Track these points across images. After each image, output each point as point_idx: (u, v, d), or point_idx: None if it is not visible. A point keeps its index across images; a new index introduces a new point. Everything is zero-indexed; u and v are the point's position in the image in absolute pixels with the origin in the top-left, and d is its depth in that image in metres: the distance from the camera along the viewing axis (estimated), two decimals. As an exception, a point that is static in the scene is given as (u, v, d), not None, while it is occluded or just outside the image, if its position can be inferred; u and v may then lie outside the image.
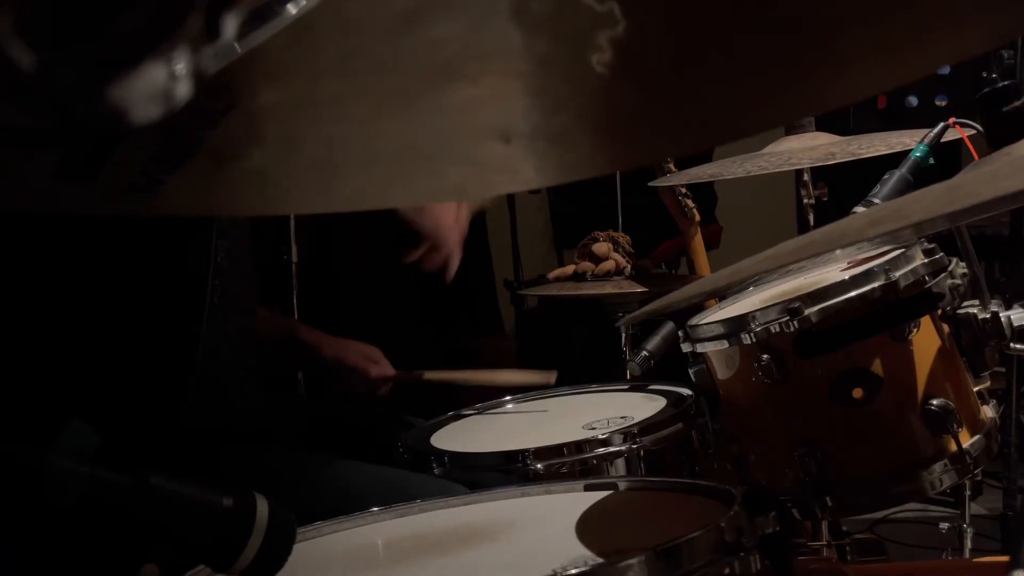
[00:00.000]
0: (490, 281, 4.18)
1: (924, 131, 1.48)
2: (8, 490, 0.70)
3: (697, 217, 2.47)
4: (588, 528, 1.05)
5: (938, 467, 1.19)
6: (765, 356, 1.21)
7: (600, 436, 1.48)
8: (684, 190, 2.42)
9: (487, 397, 1.90)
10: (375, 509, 1.20)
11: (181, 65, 0.32)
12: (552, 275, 2.44)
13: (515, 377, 1.87)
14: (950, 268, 1.22)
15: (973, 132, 1.43)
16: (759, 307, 1.24)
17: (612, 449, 1.46)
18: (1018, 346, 1.20)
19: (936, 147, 1.45)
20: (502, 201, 3.77)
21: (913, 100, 3.36)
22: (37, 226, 1.33)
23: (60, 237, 1.36)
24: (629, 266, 2.34)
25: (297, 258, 2.40)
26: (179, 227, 1.43)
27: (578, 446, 1.47)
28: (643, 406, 1.66)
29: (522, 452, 1.46)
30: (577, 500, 1.16)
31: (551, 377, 1.85)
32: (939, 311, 1.23)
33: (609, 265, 2.31)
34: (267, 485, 0.79)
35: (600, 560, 0.92)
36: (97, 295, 1.40)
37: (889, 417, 1.21)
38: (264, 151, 0.55)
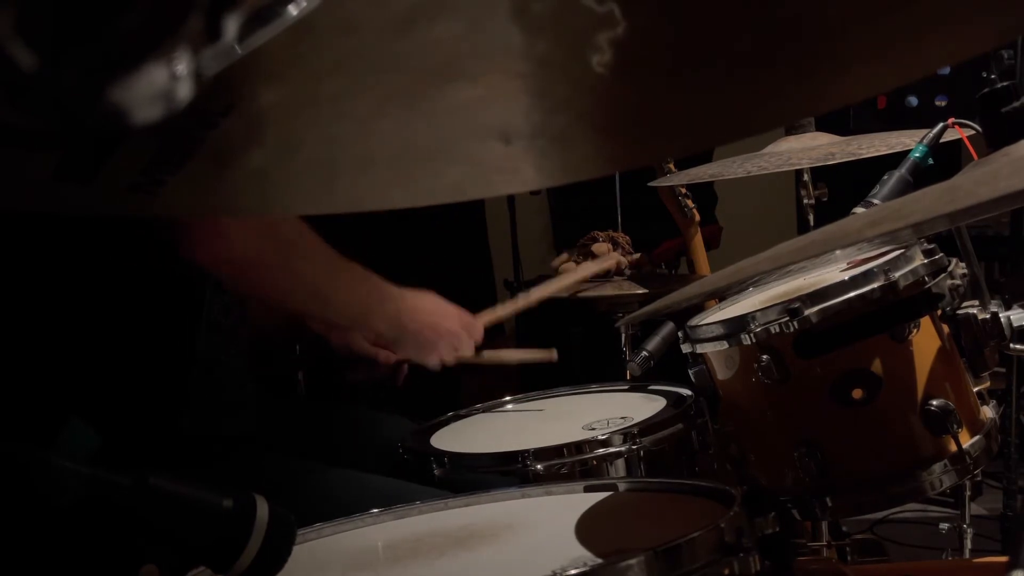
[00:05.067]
0: (490, 281, 4.18)
1: (924, 131, 1.48)
2: (8, 490, 0.70)
3: (697, 217, 2.47)
4: (588, 529, 1.05)
5: (938, 467, 1.19)
6: (765, 356, 1.21)
7: (600, 436, 1.48)
8: (684, 190, 2.42)
9: (488, 398, 1.90)
10: (375, 511, 1.20)
11: (182, 66, 0.32)
12: (555, 263, 2.44)
13: (516, 355, 1.86)
14: (950, 268, 1.22)
15: (972, 132, 1.43)
16: (759, 307, 1.24)
17: (612, 450, 1.46)
18: (1018, 346, 1.20)
19: (935, 147, 1.45)
20: (502, 200, 3.78)
21: (913, 100, 3.36)
22: (37, 226, 1.33)
23: (60, 237, 1.36)
24: (629, 266, 2.34)
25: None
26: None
27: (578, 446, 1.47)
28: (643, 406, 1.66)
29: (522, 452, 1.46)
30: (577, 502, 1.16)
31: (552, 354, 1.85)
32: (939, 311, 1.23)
33: (610, 264, 2.31)
34: (262, 493, 0.79)
35: (600, 561, 0.92)
36: (96, 295, 1.40)
37: (889, 417, 1.21)
38: (264, 151, 0.55)
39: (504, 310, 1.84)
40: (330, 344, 1.88)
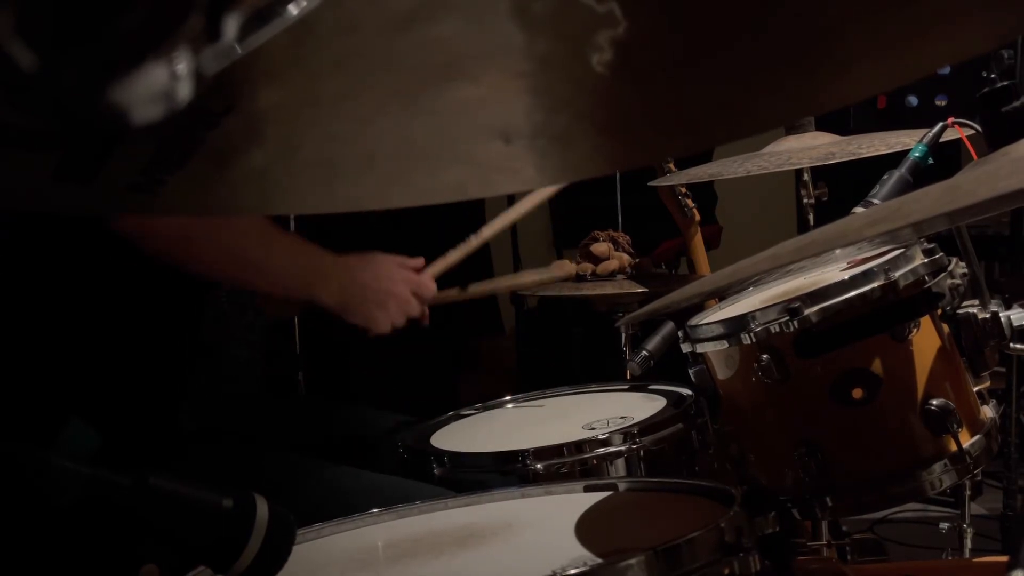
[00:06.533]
0: (490, 281, 4.17)
1: (924, 131, 1.48)
2: (8, 490, 0.70)
3: (697, 217, 2.47)
4: (588, 529, 1.05)
5: (938, 467, 1.19)
6: (765, 356, 1.21)
7: (600, 436, 1.48)
8: (684, 190, 2.42)
9: (488, 397, 1.90)
10: (375, 511, 1.20)
11: (182, 65, 0.32)
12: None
13: (537, 277, 1.82)
14: (950, 268, 1.22)
15: (972, 132, 1.43)
16: (759, 307, 1.24)
17: (612, 449, 1.46)
18: (1018, 346, 1.20)
19: (935, 147, 1.45)
20: (502, 200, 3.77)
21: (913, 100, 3.36)
22: (37, 226, 1.33)
23: (60, 237, 1.36)
24: (629, 266, 2.33)
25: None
26: None
27: (578, 446, 1.47)
28: (643, 406, 1.66)
29: (522, 452, 1.46)
30: (577, 501, 1.16)
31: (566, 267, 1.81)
32: (939, 311, 1.23)
33: (613, 264, 2.31)
34: (263, 490, 0.79)
35: (600, 560, 0.92)
36: (98, 295, 1.40)
37: (889, 417, 1.21)
38: (264, 151, 0.55)
39: (455, 255, 1.77)
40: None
